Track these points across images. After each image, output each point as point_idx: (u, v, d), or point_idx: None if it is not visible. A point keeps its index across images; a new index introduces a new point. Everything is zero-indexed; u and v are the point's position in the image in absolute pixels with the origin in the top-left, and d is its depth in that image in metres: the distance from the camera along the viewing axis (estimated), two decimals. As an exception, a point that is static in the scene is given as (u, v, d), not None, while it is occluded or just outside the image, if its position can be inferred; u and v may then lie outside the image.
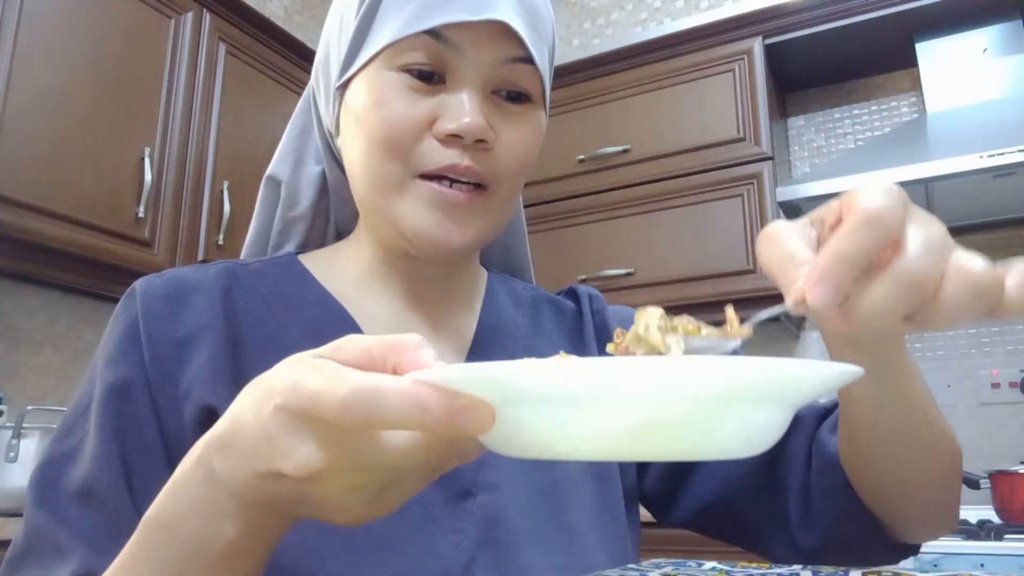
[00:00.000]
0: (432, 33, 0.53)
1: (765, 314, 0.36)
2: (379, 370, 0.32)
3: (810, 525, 0.60)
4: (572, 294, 0.73)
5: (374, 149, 0.55)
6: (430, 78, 0.55)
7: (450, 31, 0.53)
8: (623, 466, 0.66)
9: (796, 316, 2.39)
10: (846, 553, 0.60)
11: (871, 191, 0.33)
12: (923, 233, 0.33)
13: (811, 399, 0.32)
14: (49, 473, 0.51)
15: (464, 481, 0.55)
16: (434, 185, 0.54)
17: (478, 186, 0.56)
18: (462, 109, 0.53)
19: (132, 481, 0.50)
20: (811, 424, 0.62)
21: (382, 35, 0.55)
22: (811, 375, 0.29)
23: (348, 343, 0.33)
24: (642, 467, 0.68)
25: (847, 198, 0.34)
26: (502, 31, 0.54)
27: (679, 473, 0.66)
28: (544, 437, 0.30)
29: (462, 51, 0.54)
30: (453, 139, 0.54)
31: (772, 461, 0.62)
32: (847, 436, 0.55)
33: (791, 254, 0.34)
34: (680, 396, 0.28)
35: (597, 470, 0.62)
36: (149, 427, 0.51)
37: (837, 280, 0.32)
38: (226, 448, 0.33)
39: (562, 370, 0.28)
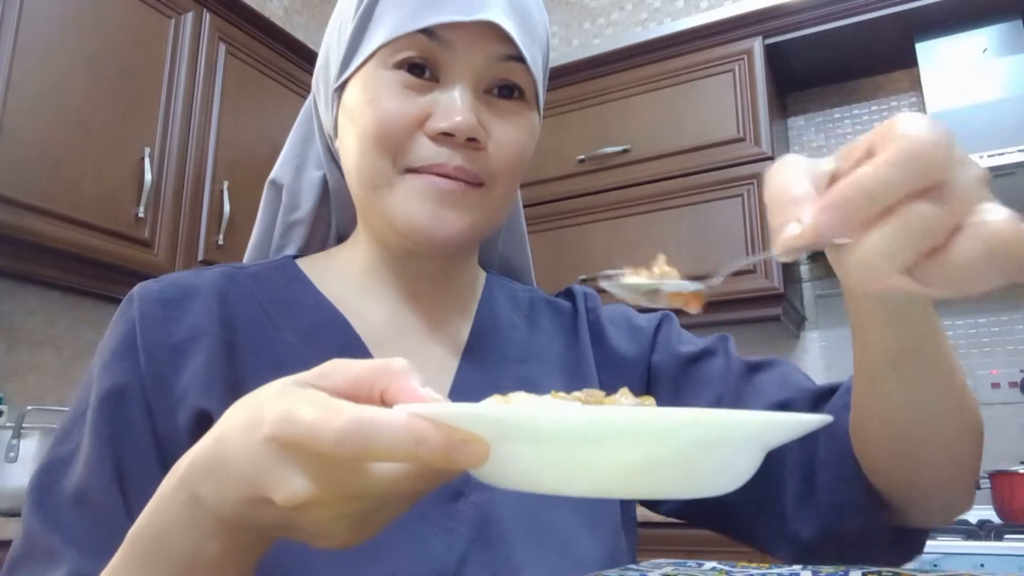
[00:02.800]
0: (426, 32, 0.54)
1: (741, 261, 0.35)
2: (366, 396, 0.32)
3: (809, 517, 0.57)
4: (569, 294, 0.74)
5: (366, 146, 0.56)
6: (423, 72, 0.55)
7: (443, 30, 0.54)
8: None
9: (797, 312, 2.38)
10: (846, 547, 0.57)
11: (915, 120, 0.28)
12: (957, 175, 0.28)
13: (782, 443, 0.33)
14: (45, 478, 0.51)
15: (455, 481, 0.55)
16: (425, 177, 0.55)
17: (473, 182, 0.56)
18: (454, 107, 0.54)
19: (125, 485, 0.50)
20: (803, 410, 0.59)
21: (378, 35, 0.56)
22: (785, 424, 0.31)
23: (334, 369, 0.33)
24: None
25: (884, 127, 0.29)
26: (494, 31, 0.55)
27: None
28: (534, 474, 0.31)
29: (455, 49, 0.55)
30: (444, 137, 0.55)
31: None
32: (863, 408, 0.51)
33: (788, 190, 0.29)
34: (667, 445, 0.29)
35: None
36: (143, 431, 0.51)
37: (850, 211, 0.27)
38: (210, 472, 0.33)
39: (557, 415, 0.29)
